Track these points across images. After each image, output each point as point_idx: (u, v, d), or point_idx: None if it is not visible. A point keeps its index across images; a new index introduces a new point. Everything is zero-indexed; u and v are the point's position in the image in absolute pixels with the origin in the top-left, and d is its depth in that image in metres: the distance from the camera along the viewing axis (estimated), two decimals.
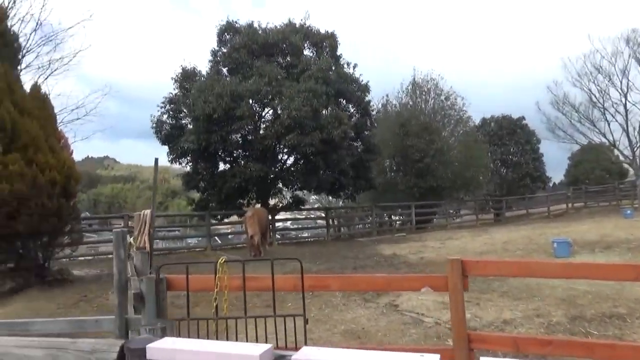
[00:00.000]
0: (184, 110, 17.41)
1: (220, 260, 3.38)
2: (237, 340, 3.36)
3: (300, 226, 26.10)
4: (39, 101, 10.00)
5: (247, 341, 3.24)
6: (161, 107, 17.62)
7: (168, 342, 1.36)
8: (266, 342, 3.27)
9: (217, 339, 3.24)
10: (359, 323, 6.23)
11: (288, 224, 25.38)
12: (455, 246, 13.80)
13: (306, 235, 23.60)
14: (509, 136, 33.64)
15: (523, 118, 34.52)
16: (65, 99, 22.16)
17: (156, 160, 6.43)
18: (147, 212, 6.33)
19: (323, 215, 21.13)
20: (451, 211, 26.75)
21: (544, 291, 6.94)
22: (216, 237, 22.00)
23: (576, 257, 10.38)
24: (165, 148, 17.59)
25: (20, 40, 11.27)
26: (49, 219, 9.08)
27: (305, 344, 3.26)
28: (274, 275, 3.34)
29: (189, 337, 3.36)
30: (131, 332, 3.57)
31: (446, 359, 3.35)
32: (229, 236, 20.20)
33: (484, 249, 12.59)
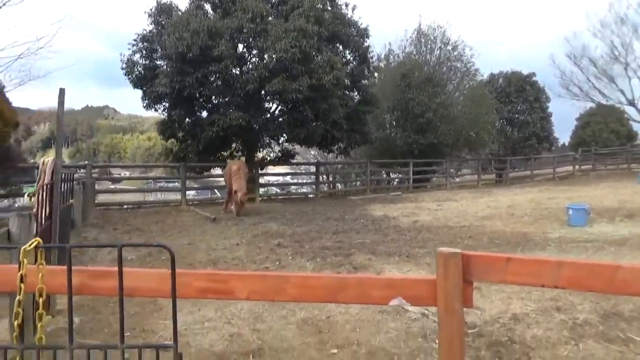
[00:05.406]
0: (159, 49, 15.51)
1: (26, 246, 1.85)
2: None
3: (291, 180, 24.70)
4: None
5: None
6: (133, 45, 15.70)
7: None
8: None
9: None
10: (323, 309, 4.82)
11: (280, 178, 23.86)
12: (453, 209, 12.35)
13: (301, 191, 22.13)
14: (517, 93, 31.54)
15: (533, 74, 32.26)
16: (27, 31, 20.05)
17: (61, 90, 4.83)
18: (49, 159, 4.81)
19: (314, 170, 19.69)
20: (452, 170, 25.18)
21: None
22: (215, 191, 20.74)
23: (594, 227, 8.97)
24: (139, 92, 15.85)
25: None
26: None
27: None
28: (122, 270, 1.85)
29: None
30: None
31: None
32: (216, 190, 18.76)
33: (487, 213, 11.12)
